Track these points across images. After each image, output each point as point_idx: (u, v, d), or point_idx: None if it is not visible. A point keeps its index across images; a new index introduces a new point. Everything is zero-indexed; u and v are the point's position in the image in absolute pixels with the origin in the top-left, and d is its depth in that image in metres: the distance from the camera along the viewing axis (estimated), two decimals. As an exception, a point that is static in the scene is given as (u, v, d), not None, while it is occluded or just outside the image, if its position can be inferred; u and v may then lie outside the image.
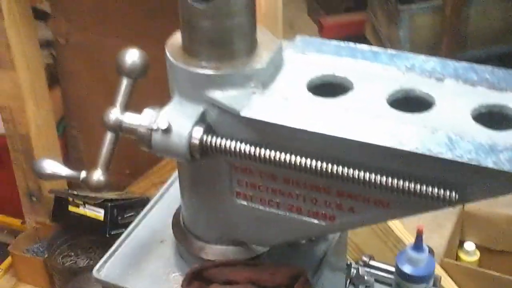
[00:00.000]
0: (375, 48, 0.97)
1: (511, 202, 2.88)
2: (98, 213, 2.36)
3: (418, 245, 1.16)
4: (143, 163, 2.56)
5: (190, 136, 0.90)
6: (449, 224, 2.50)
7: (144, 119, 0.93)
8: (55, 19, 2.58)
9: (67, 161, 2.67)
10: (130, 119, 0.95)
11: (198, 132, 0.90)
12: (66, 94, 2.74)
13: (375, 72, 0.93)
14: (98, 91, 2.64)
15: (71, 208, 2.42)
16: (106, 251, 2.48)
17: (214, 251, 1.05)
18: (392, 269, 1.31)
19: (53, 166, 0.99)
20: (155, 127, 0.91)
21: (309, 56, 0.98)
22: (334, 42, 1.00)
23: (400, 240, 2.07)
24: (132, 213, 2.41)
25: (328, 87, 0.93)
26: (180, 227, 1.09)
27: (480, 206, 2.40)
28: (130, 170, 2.63)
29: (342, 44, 0.99)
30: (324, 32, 3.79)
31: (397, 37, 3.24)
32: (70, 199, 2.41)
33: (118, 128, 0.96)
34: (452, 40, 3.16)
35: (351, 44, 0.99)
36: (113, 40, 2.49)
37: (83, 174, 0.97)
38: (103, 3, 2.48)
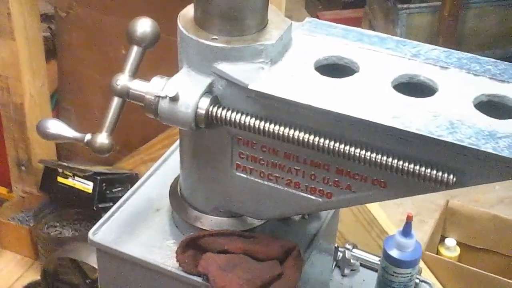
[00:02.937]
0: (381, 34, 1.00)
1: (495, 202, 2.94)
2: (87, 186, 2.37)
3: (406, 231, 1.19)
4: (134, 140, 2.58)
5: (197, 106, 0.92)
6: (431, 220, 2.55)
7: (152, 87, 0.95)
8: (57, -9, 2.59)
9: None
10: (138, 86, 0.97)
11: (204, 103, 0.92)
12: (61, 67, 2.75)
13: (381, 56, 0.96)
14: (93, 66, 2.65)
15: (60, 179, 2.43)
16: (92, 223, 2.50)
17: (209, 222, 1.07)
18: (374, 259, 1.35)
19: (58, 127, 1.00)
20: (162, 95, 0.93)
21: (317, 38, 1.00)
22: (342, 26, 1.03)
23: (384, 231, 2.10)
24: (121, 188, 2.43)
25: (334, 69, 0.95)
26: (177, 197, 1.11)
27: (463, 204, 2.44)
28: (120, 147, 2.64)
29: (350, 28, 1.02)
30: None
31: (394, 35, 3.27)
32: (60, 170, 2.42)
33: (125, 94, 0.98)
34: (448, 41, 3.20)
35: (358, 29, 1.02)
36: (113, 17, 2.50)
37: (87, 136, 0.99)
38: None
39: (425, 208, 2.88)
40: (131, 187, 2.50)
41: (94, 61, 2.63)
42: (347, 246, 1.39)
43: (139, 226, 1.12)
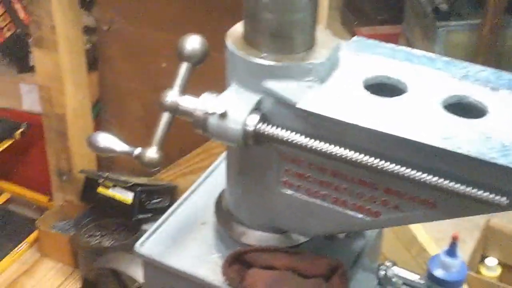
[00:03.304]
0: (430, 54, 1.00)
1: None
2: (127, 196, 2.40)
3: (452, 251, 1.18)
4: (172, 153, 2.60)
5: (245, 123, 0.93)
6: (472, 239, 2.52)
7: (202, 103, 0.96)
8: (100, 5, 2.63)
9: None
10: (188, 102, 0.99)
11: (253, 120, 0.93)
12: (102, 79, 2.79)
13: (430, 76, 0.96)
14: (134, 79, 2.69)
15: (100, 190, 2.47)
16: (132, 233, 2.53)
17: (255, 237, 1.08)
18: (415, 277, 1.34)
19: (108, 140, 1.02)
20: (212, 112, 0.94)
21: (365, 57, 1.01)
22: (390, 45, 1.03)
23: (424, 250, 2.08)
24: (160, 199, 2.46)
25: (383, 88, 0.95)
26: (223, 211, 1.12)
27: (504, 223, 2.41)
28: (160, 158, 2.67)
29: (398, 47, 1.02)
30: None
31: (432, 52, 3.25)
32: (100, 180, 2.46)
33: (175, 110, 0.99)
34: (487, 60, 3.17)
35: (406, 48, 1.02)
36: (154, 31, 2.54)
37: (137, 150, 1.00)
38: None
39: (463, 227, 2.84)
40: (170, 199, 2.56)
41: (134, 74, 2.67)
42: (387, 263, 1.38)
43: (185, 239, 1.13)
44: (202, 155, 2.53)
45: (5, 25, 2.78)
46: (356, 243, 1.14)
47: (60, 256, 2.62)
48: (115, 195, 2.42)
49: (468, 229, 2.81)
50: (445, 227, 2.68)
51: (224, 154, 1.29)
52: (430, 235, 2.24)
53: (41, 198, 2.89)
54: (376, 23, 3.95)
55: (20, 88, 2.77)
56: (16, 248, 2.65)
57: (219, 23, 2.31)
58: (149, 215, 2.42)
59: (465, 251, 2.45)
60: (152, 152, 0.99)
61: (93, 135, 1.02)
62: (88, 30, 2.79)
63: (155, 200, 2.44)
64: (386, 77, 0.97)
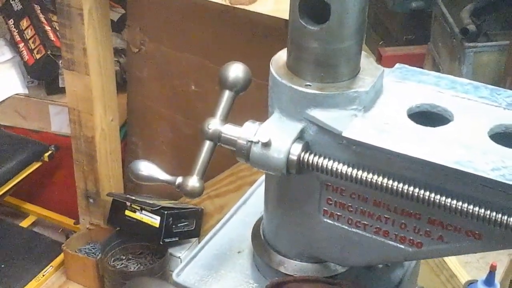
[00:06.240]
0: (475, 82, 0.99)
1: None
2: (154, 220, 2.40)
3: (490, 280, 1.17)
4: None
5: (289, 152, 0.92)
6: (502, 265, 2.48)
7: (244, 132, 0.95)
8: (130, 27, 2.65)
9: (124, 166, 2.72)
10: (230, 130, 0.98)
11: (296, 149, 0.92)
12: (131, 102, 2.80)
13: (475, 105, 0.95)
14: (162, 102, 2.70)
15: (128, 213, 2.47)
16: (158, 257, 2.52)
17: (293, 266, 1.06)
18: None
19: (150, 169, 1.02)
20: (255, 140, 0.94)
21: (408, 85, 1.00)
22: (434, 73, 1.02)
23: (453, 275, 2.06)
24: (186, 223, 2.45)
25: (427, 117, 0.94)
26: (260, 240, 1.11)
27: (535, 250, 2.37)
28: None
29: (442, 75, 1.01)
30: (382, 62, 3.80)
31: (460, 73, 3.24)
32: (128, 203, 2.46)
33: (217, 138, 0.99)
34: (516, 82, 3.15)
35: (451, 76, 1.01)
36: (183, 54, 2.55)
37: (179, 179, 1.00)
38: (177, 18, 2.54)
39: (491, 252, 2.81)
40: (196, 223, 2.54)
41: (163, 97, 2.67)
42: (416, 289, 1.37)
43: (222, 268, 1.12)
44: (229, 178, 2.52)
45: (35, 47, 2.81)
46: (395, 273, 1.12)
47: (86, 280, 2.62)
48: (143, 218, 2.42)
49: (497, 253, 2.78)
50: (476, 255, 2.66)
51: (258, 181, 1.28)
52: (457, 259, 2.21)
53: (68, 221, 2.90)
54: (402, 43, 3.94)
55: (49, 110, 2.79)
56: (41, 272, 2.65)
57: (250, 47, 2.33)
58: (176, 238, 2.42)
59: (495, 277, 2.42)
60: (194, 181, 0.99)
61: (134, 164, 1.02)
62: (117, 52, 2.82)
63: (182, 224, 2.44)
64: (431, 105, 0.96)
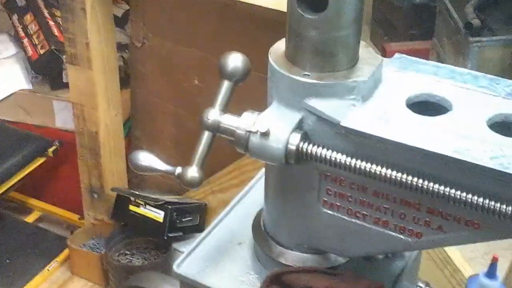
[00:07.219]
0: (474, 72, 0.99)
1: None
2: (158, 215, 2.40)
3: (491, 272, 1.16)
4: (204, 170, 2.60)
5: (287, 142, 0.92)
6: (506, 260, 2.47)
7: (243, 122, 0.95)
8: (133, 22, 2.65)
9: (128, 161, 2.72)
10: (229, 120, 0.98)
11: (295, 139, 0.92)
12: (134, 96, 2.81)
13: (474, 95, 0.95)
14: (166, 96, 2.70)
15: (132, 208, 2.47)
16: (162, 252, 2.52)
17: (293, 257, 1.06)
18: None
19: (149, 159, 1.02)
20: (254, 130, 0.94)
21: (407, 74, 1.00)
22: (432, 63, 1.02)
23: (458, 270, 2.05)
24: (190, 218, 2.45)
25: (426, 106, 0.94)
26: (260, 231, 1.11)
27: (540, 244, 2.37)
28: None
29: (441, 65, 1.01)
30: (387, 57, 3.78)
31: (464, 68, 3.23)
32: (132, 198, 2.46)
33: (216, 129, 0.99)
34: (520, 76, 3.14)
35: (450, 66, 1.01)
36: (186, 48, 2.55)
37: (178, 169, 1.00)
38: (180, 13, 2.54)
39: (497, 246, 2.80)
40: (199, 217, 2.54)
41: (167, 91, 2.68)
42: (420, 284, 1.36)
43: (222, 259, 1.12)
44: (233, 173, 2.52)
45: (39, 42, 2.81)
46: (395, 264, 1.12)
47: (91, 275, 2.62)
48: (147, 213, 2.42)
49: (502, 248, 2.77)
50: (478, 247, 2.64)
51: (259, 174, 1.28)
52: (462, 254, 2.20)
53: (72, 216, 2.90)
54: (406, 38, 3.93)
55: (53, 105, 2.80)
56: (46, 267, 2.65)
57: (253, 40, 2.32)
58: (180, 233, 2.42)
59: (500, 271, 2.41)
60: (193, 172, 0.99)
61: (134, 154, 1.02)
62: (120, 47, 2.82)
63: (186, 219, 2.44)
64: (430, 95, 0.95)
